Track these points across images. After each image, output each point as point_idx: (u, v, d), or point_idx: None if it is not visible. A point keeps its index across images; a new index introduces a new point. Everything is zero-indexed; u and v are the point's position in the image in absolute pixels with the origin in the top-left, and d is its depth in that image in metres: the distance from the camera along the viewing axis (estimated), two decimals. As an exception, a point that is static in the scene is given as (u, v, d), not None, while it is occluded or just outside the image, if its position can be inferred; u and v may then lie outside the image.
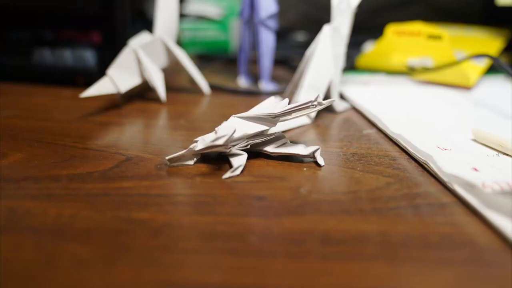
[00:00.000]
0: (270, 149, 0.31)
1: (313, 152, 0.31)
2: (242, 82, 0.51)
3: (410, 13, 0.69)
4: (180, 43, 0.64)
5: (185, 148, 0.33)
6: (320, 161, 0.31)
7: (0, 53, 0.50)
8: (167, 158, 0.30)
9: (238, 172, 0.29)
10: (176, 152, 0.30)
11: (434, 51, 0.50)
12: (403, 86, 0.49)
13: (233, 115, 0.31)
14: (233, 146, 0.30)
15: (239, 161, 0.30)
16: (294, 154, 0.31)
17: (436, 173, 0.29)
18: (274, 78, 0.52)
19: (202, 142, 0.29)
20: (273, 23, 0.47)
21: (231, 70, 0.52)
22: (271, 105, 0.32)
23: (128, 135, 0.35)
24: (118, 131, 0.36)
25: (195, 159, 0.31)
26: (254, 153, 0.32)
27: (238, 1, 0.63)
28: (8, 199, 0.26)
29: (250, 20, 0.48)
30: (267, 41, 0.47)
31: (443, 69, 0.48)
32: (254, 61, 0.54)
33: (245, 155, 0.30)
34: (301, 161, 0.31)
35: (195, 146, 0.29)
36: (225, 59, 0.61)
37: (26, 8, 0.60)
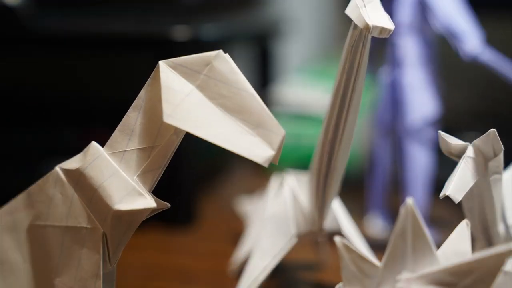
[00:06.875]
0: None
1: None
2: (376, 225, 0.33)
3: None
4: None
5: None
6: None
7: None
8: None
9: None
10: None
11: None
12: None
13: None
14: None
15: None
16: None
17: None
18: (433, 220, 0.32)
19: None
20: (429, 133, 0.30)
21: (354, 202, 0.34)
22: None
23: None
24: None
25: None
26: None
27: (368, 89, 0.45)
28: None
29: (392, 126, 0.32)
30: (420, 159, 0.30)
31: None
32: (395, 190, 0.35)
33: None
34: None
35: None
36: (343, 182, 0.43)
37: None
